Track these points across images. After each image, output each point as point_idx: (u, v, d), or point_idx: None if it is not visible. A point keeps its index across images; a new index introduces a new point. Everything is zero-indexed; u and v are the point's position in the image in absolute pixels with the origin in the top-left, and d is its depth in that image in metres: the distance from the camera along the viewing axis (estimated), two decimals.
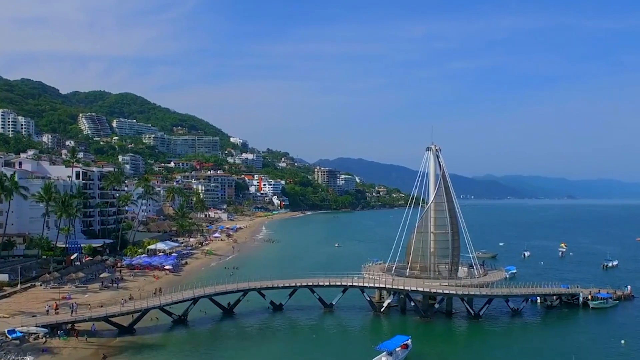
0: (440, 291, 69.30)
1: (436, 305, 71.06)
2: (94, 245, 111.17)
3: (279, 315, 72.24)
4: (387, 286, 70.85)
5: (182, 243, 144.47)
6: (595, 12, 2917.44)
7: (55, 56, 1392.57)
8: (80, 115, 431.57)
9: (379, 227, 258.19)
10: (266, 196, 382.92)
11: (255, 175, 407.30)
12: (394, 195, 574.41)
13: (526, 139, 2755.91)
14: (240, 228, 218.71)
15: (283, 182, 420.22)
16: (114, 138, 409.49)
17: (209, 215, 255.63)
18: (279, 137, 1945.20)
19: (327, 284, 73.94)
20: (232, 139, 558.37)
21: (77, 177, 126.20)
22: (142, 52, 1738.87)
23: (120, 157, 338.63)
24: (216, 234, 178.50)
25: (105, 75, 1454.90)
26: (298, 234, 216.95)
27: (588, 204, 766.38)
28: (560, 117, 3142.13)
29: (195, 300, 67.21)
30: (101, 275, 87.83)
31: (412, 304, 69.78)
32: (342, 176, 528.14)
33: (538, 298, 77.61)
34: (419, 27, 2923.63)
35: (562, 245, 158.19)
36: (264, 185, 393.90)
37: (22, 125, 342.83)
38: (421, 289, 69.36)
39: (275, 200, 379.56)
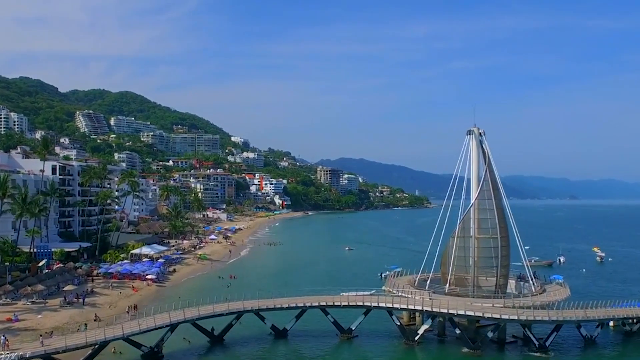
0: (498, 316, 51.90)
1: (489, 334, 53.61)
2: (67, 249, 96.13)
3: (283, 344, 56.00)
4: (426, 308, 54.07)
5: (172, 246, 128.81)
6: (595, 12, 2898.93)
7: (56, 56, 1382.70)
8: (77, 112, 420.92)
9: (386, 227, 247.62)
10: (267, 196, 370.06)
11: (256, 174, 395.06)
12: (398, 196, 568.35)
13: (527, 139, 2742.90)
14: (240, 229, 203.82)
15: (285, 181, 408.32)
16: (112, 136, 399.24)
17: (206, 215, 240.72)
18: (280, 137, 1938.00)
19: (346, 303, 57.13)
20: (233, 138, 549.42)
21: (54, 172, 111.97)
22: (144, 51, 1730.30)
23: (116, 155, 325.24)
24: (212, 236, 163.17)
25: (106, 75, 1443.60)
26: (302, 235, 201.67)
27: (593, 205, 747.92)
28: (562, 117, 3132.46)
29: (172, 326, 51.00)
30: (64, 289, 71.86)
31: (457, 330, 52.89)
32: (345, 176, 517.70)
33: (611, 321, 61.08)
34: (420, 27, 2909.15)
35: (596, 249, 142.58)
36: (265, 184, 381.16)
37: (14, 121, 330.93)
38: (471, 313, 52.42)
39: (277, 200, 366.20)
